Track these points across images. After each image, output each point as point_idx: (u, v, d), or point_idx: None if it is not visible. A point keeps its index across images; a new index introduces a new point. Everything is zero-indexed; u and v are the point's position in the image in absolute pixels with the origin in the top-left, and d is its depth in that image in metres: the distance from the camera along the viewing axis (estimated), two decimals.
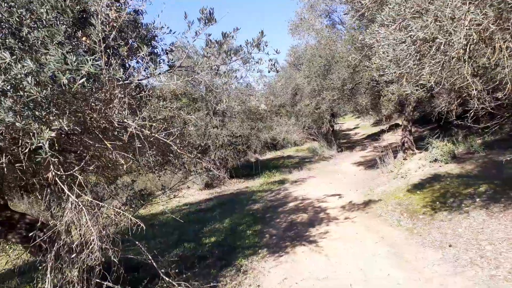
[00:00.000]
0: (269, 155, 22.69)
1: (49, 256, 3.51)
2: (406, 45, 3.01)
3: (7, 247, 8.43)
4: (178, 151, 3.20)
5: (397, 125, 21.69)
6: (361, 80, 9.85)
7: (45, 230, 4.52)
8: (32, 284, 5.82)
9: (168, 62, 3.95)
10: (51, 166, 2.65)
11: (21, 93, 2.55)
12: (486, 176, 7.03)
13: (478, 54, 2.89)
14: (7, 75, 2.48)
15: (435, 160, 9.13)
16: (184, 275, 4.69)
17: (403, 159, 10.91)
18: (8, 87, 2.49)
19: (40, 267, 4.43)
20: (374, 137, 23.56)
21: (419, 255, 4.75)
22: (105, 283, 3.97)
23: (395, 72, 3.23)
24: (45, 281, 3.44)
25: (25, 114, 2.57)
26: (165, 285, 4.36)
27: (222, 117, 13.27)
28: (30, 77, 2.48)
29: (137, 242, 4.16)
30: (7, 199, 5.00)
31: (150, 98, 3.58)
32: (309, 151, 21.74)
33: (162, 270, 4.17)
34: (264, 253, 6.02)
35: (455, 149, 9.58)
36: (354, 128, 35.82)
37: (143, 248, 4.08)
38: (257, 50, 4.06)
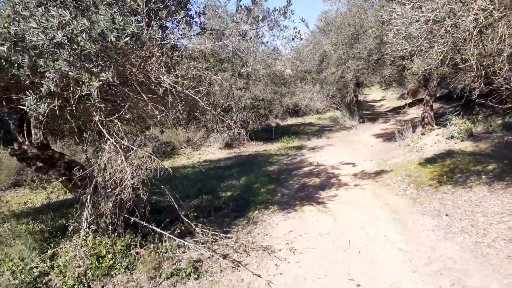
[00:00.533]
0: (290, 121, 22.92)
1: (88, 190, 4.05)
2: (418, 24, 3.24)
3: (45, 184, 9.28)
4: (205, 107, 3.62)
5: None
6: (386, 52, 9.90)
7: (81, 169, 5.13)
8: (64, 218, 6.56)
9: (200, 24, 4.28)
10: (97, 111, 3.11)
11: (76, 46, 2.97)
12: (497, 156, 7.22)
13: (484, 37, 3.11)
14: (65, 30, 2.89)
15: (452, 137, 9.29)
16: (200, 219, 5.23)
17: (421, 134, 11.06)
18: (66, 41, 2.91)
19: (75, 204, 5.06)
20: (399, 110, 23.38)
21: (417, 222, 5.14)
22: (132, 218, 4.56)
23: (406, 49, 3.48)
24: (83, 213, 3.99)
25: (78, 65, 3.01)
26: (184, 226, 4.91)
27: (247, 80, 13.54)
28: (84, 33, 2.88)
29: (162, 186, 4.70)
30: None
31: (182, 57, 3.95)
32: (331, 120, 21.84)
33: (183, 213, 4.71)
34: (275, 208, 6.53)
35: (473, 127, 9.67)
36: (380, 100, 35.30)
37: (167, 191, 4.61)
38: (283, 18, 4.34)
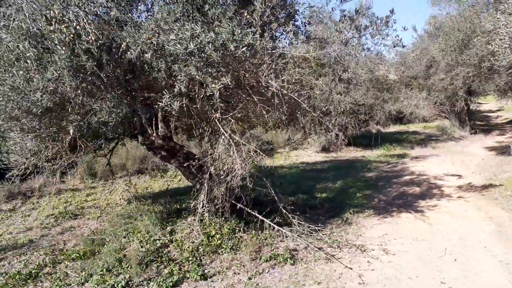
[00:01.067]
0: (393, 128, 22.09)
1: (204, 176, 4.72)
2: None
3: (163, 173, 10.60)
4: (306, 108, 4.00)
5: None
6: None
7: (197, 160, 5.90)
8: (178, 203, 7.51)
9: (305, 33, 4.69)
10: (217, 110, 3.70)
11: (203, 55, 3.59)
12: None
13: None
14: (195, 41, 3.52)
15: None
16: (297, 214, 5.60)
17: None
18: (196, 50, 3.54)
19: (187, 192, 5.84)
20: None
21: None
22: (238, 205, 5.15)
23: (510, 57, 3.41)
24: (199, 197, 4.67)
25: (204, 71, 3.63)
26: (282, 218, 5.35)
27: (347, 84, 13.57)
28: (210, 44, 3.48)
29: (264, 179, 5.21)
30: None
31: (288, 64, 4.39)
32: (438, 129, 20.53)
33: (281, 205, 5.16)
34: (370, 212, 6.61)
35: None
36: (497, 110, 31.85)
37: (268, 184, 5.12)
38: (386, 27, 4.52)
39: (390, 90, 15.11)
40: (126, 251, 5.16)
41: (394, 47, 4.56)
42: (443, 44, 10.79)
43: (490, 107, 33.45)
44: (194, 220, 5.63)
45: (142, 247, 5.21)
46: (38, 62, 3.22)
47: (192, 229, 5.39)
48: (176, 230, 5.67)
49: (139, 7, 4.00)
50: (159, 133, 6.05)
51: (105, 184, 9.92)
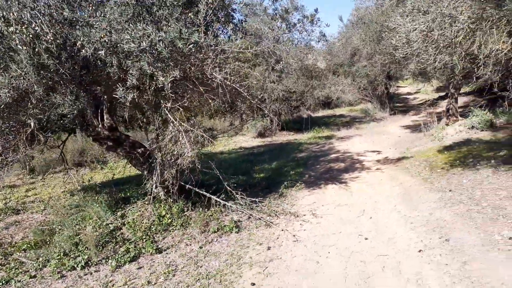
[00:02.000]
0: (322, 112, 23.63)
1: (157, 160, 5.18)
2: (415, 33, 4.09)
3: (102, 165, 10.67)
4: (247, 97, 4.64)
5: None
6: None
7: (142, 149, 6.32)
8: (122, 192, 7.81)
9: (242, 30, 5.30)
10: (168, 101, 4.20)
11: (154, 52, 4.04)
12: (511, 144, 7.84)
13: (466, 44, 3.91)
14: (147, 40, 3.96)
15: (472, 127, 9.87)
16: (239, 191, 6.27)
17: (446, 125, 11.64)
18: (147, 48, 3.99)
19: (135, 180, 6.21)
20: (432, 102, 23.57)
21: (423, 196, 5.96)
22: (187, 186, 5.69)
23: (407, 52, 4.34)
24: (151, 179, 5.14)
25: (155, 65, 4.09)
26: (226, 195, 5.99)
27: (279, 73, 14.47)
28: (161, 42, 3.95)
29: (209, 161, 5.80)
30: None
31: (228, 58, 4.98)
32: (362, 111, 22.39)
33: (226, 183, 5.80)
34: (302, 186, 7.50)
35: (494, 118, 10.18)
36: (415, 93, 35.13)
37: (213, 166, 5.71)
38: (311, 25, 5.29)
39: (318, 78, 16.29)
40: (81, 236, 5.47)
41: (319, 41, 5.33)
42: (363, 34, 12.01)
43: (410, 90, 36.72)
44: (145, 203, 6.08)
45: (96, 231, 5.55)
46: (1, 60, 3.48)
47: (143, 212, 5.85)
48: (126, 214, 6.07)
49: (89, 8, 4.32)
50: (105, 124, 6.33)
51: (44, 179, 9.81)
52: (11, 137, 4.54)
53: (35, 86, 3.59)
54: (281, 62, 10.35)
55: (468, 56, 4.10)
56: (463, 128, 10.25)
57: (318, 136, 15.08)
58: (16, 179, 9.72)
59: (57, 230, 6.04)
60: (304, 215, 5.85)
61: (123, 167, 10.68)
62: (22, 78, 3.51)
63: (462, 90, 22.92)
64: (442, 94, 24.06)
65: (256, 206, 5.90)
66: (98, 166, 10.81)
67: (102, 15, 4.25)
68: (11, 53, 3.57)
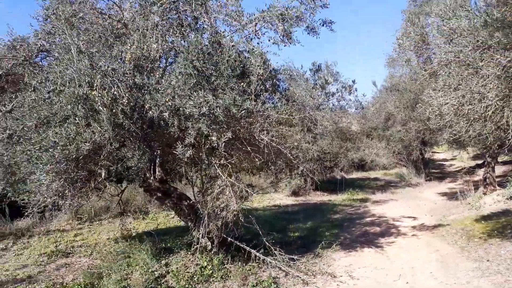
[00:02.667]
0: (355, 174, 23.68)
1: (204, 212, 5.60)
2: (447, 106, 4.48)
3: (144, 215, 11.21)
4: (290, 157, 5.09)
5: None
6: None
7: (188, 201, 6.78)
8: (163, 242, 8.19)
9: (286, 97, 5.88)
10: (220, 158, 4.70)
11: (211, 116, 4.63)
12: None
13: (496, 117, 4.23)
14: (206, 105, 4.57)
15: (511, 198, 9.75)
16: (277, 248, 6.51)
17: (483, 194, 11.50)
18: (207, 112, 4.58)
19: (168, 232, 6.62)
20: (469, 170, 23.14)
21: (460, 264, 5.96)
22: (229, 238, 6.02)
23: (438, 123, 4.71)
24: (196, 230, 5.53)
25: (211, 127, 4.66)
26: (265, 250, 6.25)
27: (314, 134, 14.97)
28: (218, 107, 4.54)
29: (250, 216, 6.15)
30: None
31: (273, 121, 5.51)
32: (397, 176, 22.26)
33: (265, 238, 6.09)
34: (337, 248, 7.61)
35: None
36: (451, 159, 34.54)
37: (254, 221, 6.05)
38: (348, 94, 5.80)
39: (353, 140, 16.66)
40: (129, 281, 5.83)
41: (356, 109, 5.81)
42: (398, 101, 12.48)
43: (445, 156, 36.17)
44: (188, 253, 6.43)
45: (142, 277, 5.90)
46: (85, 119, 4.15)
47: (186, 262, 6.18)
48: (169, 263, 6.41)
49: (157, 75, 5.05)
50: (156, 177, 6.91)
51: (90, 225, 10.41)
52: (79, 184, 5.15)
53: (112, 142, 4.20)
54: (318, 125, 10.89)
55: (499, 129, 4.40)
56: (501, 198, 10.13)
57: (352, 199, 15.12)
58: (65, 224, 10.37)
59: (105, 274, 6.44)
60: (341, 276, 5.97)
61: (164, 217, 11.19)
62: (101, 134, 4.13)
63: (499, 159, 22.54)
64: (479, 162, 23.62)
65: (294, 263, 6.10)
66: (140, 216, 11.34)
67: (168, 82, 4.95)
68: (93, 113, 4.24)
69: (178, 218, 11.11)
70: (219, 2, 5.56)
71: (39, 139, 4.13)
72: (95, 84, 4.31)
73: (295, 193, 15.51)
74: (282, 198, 15.01)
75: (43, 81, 4.51)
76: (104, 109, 4.21)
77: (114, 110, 4.28)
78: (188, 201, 6.93)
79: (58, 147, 4.04)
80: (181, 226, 10.19)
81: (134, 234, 9.10)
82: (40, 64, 5.61)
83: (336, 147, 15.26)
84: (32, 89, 4.47)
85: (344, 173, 21.91)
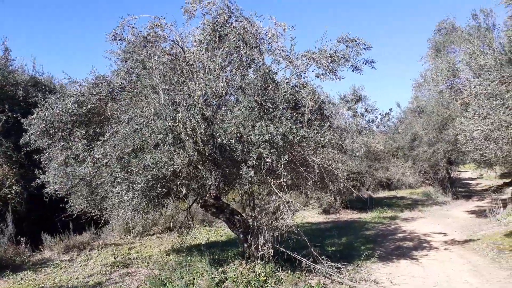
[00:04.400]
0: (382, 193, 24.05)
1: (260, 225, 6.41)
2: (477, 132, 5.20)
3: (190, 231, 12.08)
4: (341, 176, 5.88)
5: None
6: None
7: (239, 216, 7.61)
8: (212, 254, 9.00)
9: (330, 125, 6.71)
10: (279, 177, 5.54)
11: (271, 142, 5.48)
12: None
13: None
14: (268, 134, 5.42)
15: None
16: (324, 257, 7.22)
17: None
18: (268, 139, 5.44)
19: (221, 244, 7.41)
20: (496, 189, 23.20)
21: (493, 273, 6.54)
22: (281, 248, 6.79)
23: (469, 147, 5.43)
24: (261, 236, 6.34)
25: (271, 151, 5.50)
26: (312, 259, 6.97)
27: (344, 154, 15.64)
28: (278, 135, 5.39)
29: (298, 229, 6.92)
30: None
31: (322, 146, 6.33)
32: (423, 195, 22.53)
33: (312, 249, 6.83)
34: (375, 260, 8.25)
35: None
36: (478, 178, 34.34)
37: (301, 233, 6.82)
38: (387, 120, 6.59)
39: (380, 160, 17.26)
40: (192, 286, 6.66)
41: (393, 134, 6.58)
42: (425, 124, 13.12)
43: (471, 175, 35.93)
44: (242, 262, 7.22)
45: (204, 283, 6.71)
46: (173, 147, 5.08)
47: (241, 270, 6.97)
48: (226, 271, 7.20)
49: (223, 109, 5.98)
50: (211, 194, 7.79)
51: (141, 239, 11.35)
52: (156, 200, 6.08)
53: (196, 164, 5.11)
54: (362, 151, 11.61)
55: None
56: None
57: (382, 216, 15.64)
58: (118, 238, 11.34)
59: (166, 281, 7.29)
60: (383, 282, 6.65)
61: (206, 232, 12.05)
62: (186, 158, 5.05)
63: None
64: (507, 180, 23.64)
65: (339, 271, 6.80)
66: (185, 231, 12.22)
67: (233, 114, 5.87)
68: (179, 141, 5.17)
69: (215, 233, 11.97)
70: (271, 44, 6.51)
71: (137, 162, 5.07)
72: (179, 117, 5.25)
73: (325, 211, 16.15)
74: (313, 216, 15.66)
75: (133, 116, 5.49)
76: (187, 138, 5.14)
77: (194, 139, 5.20)
78: (239, 216, 7.76)
79: (154, 169, 4.97)
80: (223, 241, 11.03)
81: (185, 246, 9.95)
82: (120, 99, 6.62)
83: (366, 167, 15.90)
84: (127, 121, 5.46)
85: (371, 192, 22.34)
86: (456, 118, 6.21)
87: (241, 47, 6.07)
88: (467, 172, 37.05)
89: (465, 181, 31.93)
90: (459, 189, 24.65)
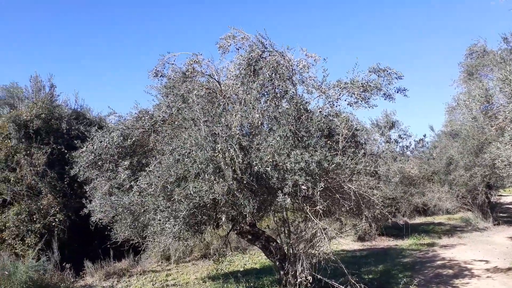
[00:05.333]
0: (418, 219, 23.37)
1: (297, 252, 6.50)
2: None
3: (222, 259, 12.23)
4: (376, 202, 5.94)
5: None
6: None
7: (275, 243, 7.71)
8: (247, 282, 9.08)
9: (364, 152, 6.82)
10: (316, 204, 5.67)
11: (306, 169, 5.65)
12: None
13: None
14: (303, 161, 5.60)
15: None
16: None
17: None
18: (303, 167, 5.61)
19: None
20: None
21: None
22: (318, 276, 6.83)
23: (508, 171, 5.40)
24: (299, 263, 6.42)
25: (307, 179, 5.66)
26: (349, 286, 6.94)
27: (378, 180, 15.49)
28: (313, 162, 5.56)
29: (334, 257, 6.95)
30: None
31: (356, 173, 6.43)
32: (462, 220, 21.76)
33: (349, 276, 6.82)
34: (415, 287, 8.10)
35: None
36: None
37: (339, 260, 6.84)
38: (421, 146, 6.64)
39: (416, 185, 16.91)
40: None
41: (428, 160, 6.61)
42: (461, 148, 12.87)
43: None
44: None
45: None
46: (213, 176, 5.35)
47: None
48: None
49: (259, 138, 6.23)
50: (247, 221, 7.96)
51: (177, 266, 11.57)
52: (195, 227, 6.32)
53: (235, 192, 5.35)
54: (397, 177, 11.56)
55: None
56: None
57: (419, 243, 15.20)
58: (156, 265, 11.61)
59: None
60: None
61: (239, 260, 12.13)
62: (225, 187, 5.29)
63: None
64: None
65: None
66: (219, 259, 12.36)
67: (268, 143, 6.11)
68: (219, 171, 5.44)
69: (249, 260, 12.02)
70: (303, 74, 6.78)
71: (179, 191, 5.36)
72: (218, 148, 5.54)
73: (360, 238, 15.88)
74: (348, 243, 15.44)
75: (176, 147, 5.83)
76: (227, 167, 5.40)
77: (233, 168, 5.46)
78: (275, 243, 7.87)
79: (196, 198, 5.24)
80: (257, 268, 11.06)
81: (221, 273, 10.09)
82: (162, 131, 7.02)
83: (401, 192, 15.63)
84: (169, 152, 5.80)
85: (407, 218, 21.75)
86: (492, 142, 6.16)
87: (275, 80, 6.36)
88: (508, 196, 35.48)
89: (507, 206, 30.46)
90: (500, 214, 23.59)
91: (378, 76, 5.90)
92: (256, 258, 12.54)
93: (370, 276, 9.56)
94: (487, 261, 10.77)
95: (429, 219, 23.47)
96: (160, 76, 7.43)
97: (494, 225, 19.52)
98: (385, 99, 6.03)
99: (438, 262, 11.09)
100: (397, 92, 6.04)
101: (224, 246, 8.94)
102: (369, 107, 6.05)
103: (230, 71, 7.49)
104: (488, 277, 8.74)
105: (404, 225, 18.55)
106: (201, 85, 7.26)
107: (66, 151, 11.95)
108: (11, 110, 14.26)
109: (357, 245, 15.20)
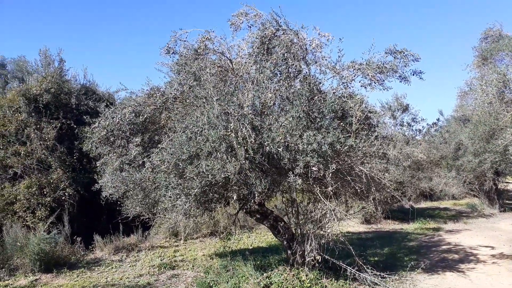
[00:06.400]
0: (424, 204, 23.37)
1: (306, 232, 6.55)
2: None
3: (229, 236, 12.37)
4: (387, 184, 5.93)
5: None
6: None
7: (283, 223, 7.77)
8: (254, 260, 9.19)
9: (376, 135, 6.77)
10: (327, 186, 5.68)
11: (318, 150, 5.63)
12: None
13: None
14: (315, 142, 5.58)
15: None
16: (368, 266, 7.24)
17: None
18: (316, 147, 5.59)
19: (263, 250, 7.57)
20: None
21: None
22: (326, 256, 6.90)
23: None
24: (307, 243, 6.48)
25: (318, 160, 5.64)
26: (356, 267, 7.02)
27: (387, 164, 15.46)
28: (325, 144, 5.54)
29: (343, 238, 6.99)
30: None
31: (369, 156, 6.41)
32: (468, 206, 21.74)
33: (356, 257, 6.88)
34: (420, 271, 8.14)
35: None
36: None
37: (346, 241, 6.89)
38: (434, 131, 6.56)
39: (423, 170, 16.85)
40: None
41: (440, 144, 6.54)
42: (472, 133, 12.73)
43: None
44: (286, 268, 7.37)
45: (251, 287, 6.92)
46: (226, 155, 5.35)
47: (286, 276, 7.12)
48: (270, 276, 7.38)
49: (272, 118, 6.20)
50: (256, 201, 8.00)
51: (185, 243, 11.75)
52: (205, 205, 6.37)
53: (247, 172, 5.36)
54: (409, 160, 11.51)
55: None
56: None
57: (425, 227, 15.26)
58: (164, 241, 11.80)
59: (212, 284, 7.56)
60: None
61: (246, 238, 12.28)
62: (238, 166, 5.30)
63: None
64: None
65: (384, 280, 6.80)
66: (226, 237, 12.53)
67: (280, 124, 6.07)
68: (231, 150, 5.44)
69: (256, 239, 12.16)
70: (315, 54, 6.67)
71: (192, 169, 5.39)
72: (231, 127, 5.52)
73: (366, 221, 15.97)
74: (354, 225, 15.53)
75: (188, 126, 5.82)
76: (239, 146, 5.39)
77: (245, 147, 5.45)
78: (283, 222, 7.92)
79: (209, 176, 5.26)
80: (264, 247, 11.19)
81: (229, 251, 10.23)
82: (174, 109, 7.00)
83: (408, 177, 15.60)
84: (182, 130, 5.79)
85: (412, 202, 21.78)
86: (507, 128, 6.07)
87: (288, 59, 6.27)
88: None
89: None
90: (507, 201, 23.54)
91: (394, 57, 5.79)
92: (262, 237, 12.66)
93: (376, 259, 9.64)
94: (492, 247, 10.80)
95: (434, 204, 23.47)
96: (172, 53, 7.35)
97: (500, 211, 19.51)
98: (400, 82, 5.93)
99: (444, 247, 11.14)
100: (413, 74, 5.93)
101: (233, 225, 9.01)
102: (383, 89, 5.97)
103: (242, 49, 7.40)
104: (493, 263, 8.77)
105: (410, 209, 18.61)
106: (213, 63, 7.19)
107: (75, 126, 12.04)
108: (20, 84, 14.29)
109: (362, 228, 15.30)
